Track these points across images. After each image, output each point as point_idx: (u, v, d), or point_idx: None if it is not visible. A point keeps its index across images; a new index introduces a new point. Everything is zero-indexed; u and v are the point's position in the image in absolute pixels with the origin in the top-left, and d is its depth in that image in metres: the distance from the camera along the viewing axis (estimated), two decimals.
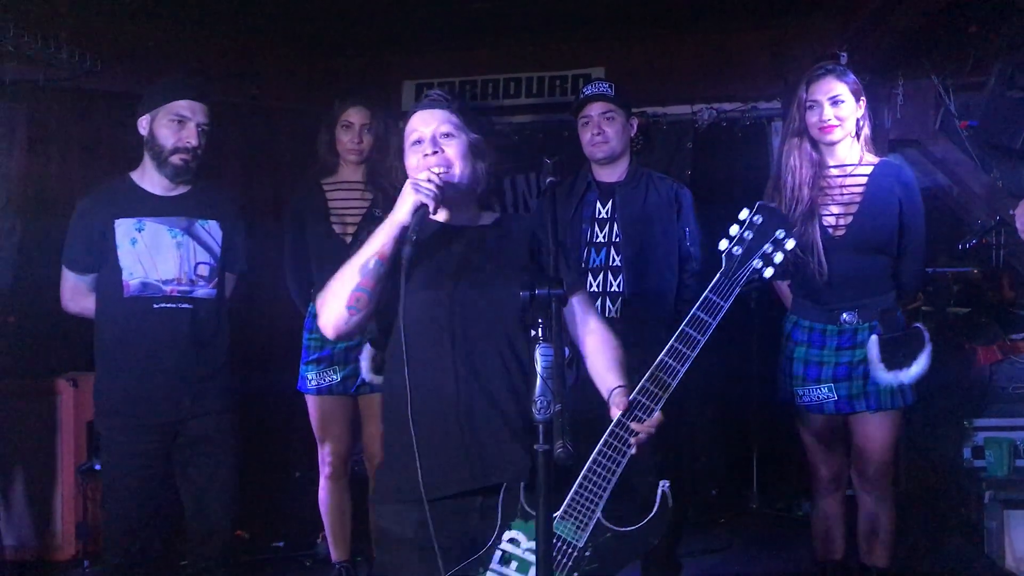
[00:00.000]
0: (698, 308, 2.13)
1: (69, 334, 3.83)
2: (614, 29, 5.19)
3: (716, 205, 5.23)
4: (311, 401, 3.56)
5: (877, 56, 4.43)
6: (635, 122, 3.46)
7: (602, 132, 3.35)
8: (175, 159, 2.97)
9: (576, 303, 2.26)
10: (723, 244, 2.16)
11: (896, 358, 2.93)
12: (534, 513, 1.89)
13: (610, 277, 3.33)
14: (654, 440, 2.10)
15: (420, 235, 2.05)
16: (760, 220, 2.15)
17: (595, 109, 3.39)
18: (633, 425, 2.09)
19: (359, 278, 2.09)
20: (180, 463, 3.02)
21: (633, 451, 2.09)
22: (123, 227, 2.97)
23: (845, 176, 3.03)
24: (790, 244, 2.14)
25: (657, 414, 2.09)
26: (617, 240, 3.34)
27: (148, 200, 3.02)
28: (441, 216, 2.23)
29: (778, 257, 2.14)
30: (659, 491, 2.10)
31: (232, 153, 5.22)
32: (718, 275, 2.15)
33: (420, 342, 2.07)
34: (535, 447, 1.81)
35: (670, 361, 2.11)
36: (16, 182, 4.45)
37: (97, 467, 4.02)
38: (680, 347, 2.12)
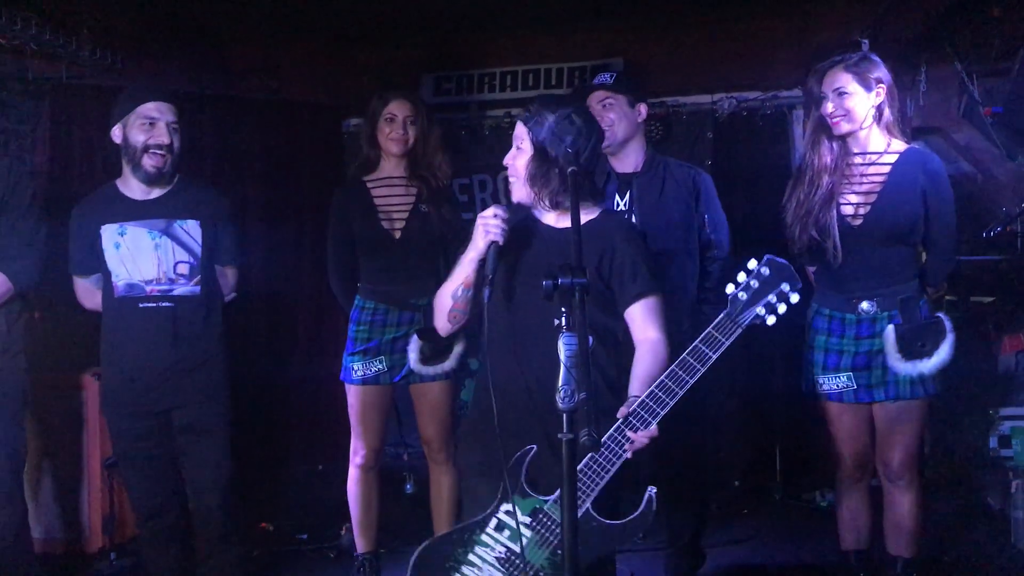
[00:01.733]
0: (700, 341, 2.30)
1: (93, 330, 3.87)
2: (633, 19, 5.16)
3: (737, 195, 5.27)
4: (353, 391, 3.58)
5: (900, 43, 4.40)
6: (642, 107, 3.43)
7: (603, 118, 3.34)
8: (147, 160, 3.11)
9: (641, 307, 2.42)
10: (730, 288, 2.33)
11: (914, 348, 2.91)
12: (532, 493, 2.29)
13: None
14: (656, 449, 2.28)
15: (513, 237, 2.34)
16: (767, 272, 2.31)
17: (594, 99, 3.39)
18: (628, 433, 2.27)
19: (451, 302, 2.48)
20: (177, 450, 3.24)
21: (628, 455, 2.28)
22: (108, 232, 3.17)
23: (868, 164, 3.01)
24: (794, 298, 2.32)
25: (653, 427, 2.26)
26: None
27: (129, 205, 3.19)
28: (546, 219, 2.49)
29: (781, 308, 2.31)
30: (646, 495, 2.29)
31: (252, 148, 5.25)
32: (722, 315, 2.32)
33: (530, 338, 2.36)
34: (558, 436, 1.83)
35: (669, 383, 2.29)
36: (39, 178, 4.50)
37: None
38: (680, 373, 2.29)
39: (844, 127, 2.98)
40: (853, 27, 4.72)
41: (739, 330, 2.30)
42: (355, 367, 3.57)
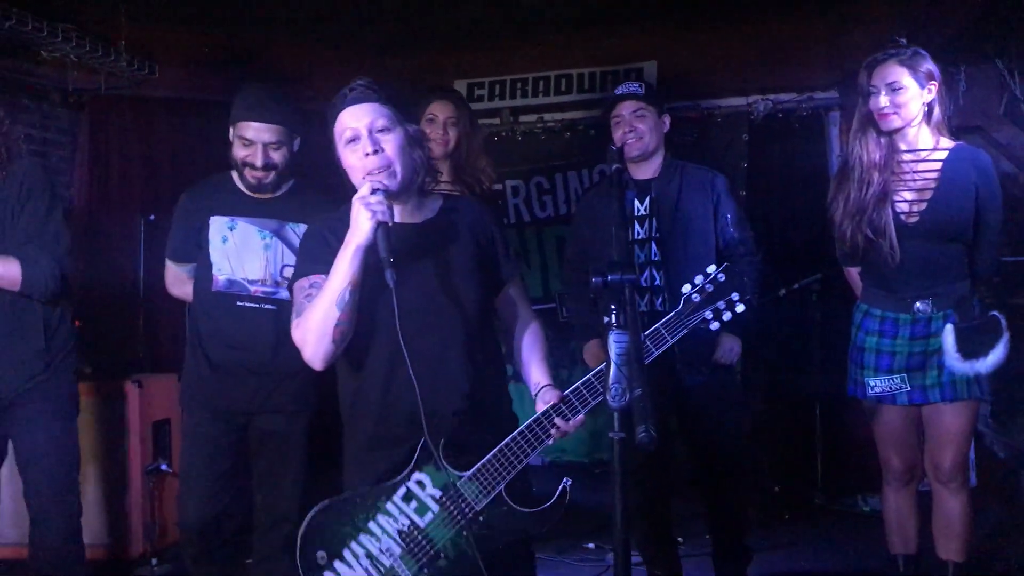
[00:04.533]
0: (647, 336, 2.32)
1: (134, 337, 3.91)
2: (665, 22, 5.14)
3: (772, 197, 5.23)
4: None
5: (938, 41, 4.34)
6: (667, 119, 3.44)
7: (634, 129, 3.33)
8: (247, 173, 3.04)
9: (516, 289, 2.39)
10: (685, 288, 2.38)
11: (971, 347, 2.85)
12: (448, 467, 2.16)
13: (654, 272, 3.32)
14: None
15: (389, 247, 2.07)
16: (723, 279, 2.37)
17: (626, 108, 3.37)
18: (558, 421, 2.21)
19: (338, 312, 2.09)
20: (252, 455, 3.12)
21: (550, 442, 2.23)
22: (216, 224, 3.07)
23: (918, 161, 2.96)
24: (739, 308, 2.36)
25: (581, 416, 2.23)
26: (656, 236, 3.33)
27: (242, 200, 3.10)
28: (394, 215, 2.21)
29: (726, 316, 2.37)
30: (560, 486, 2.23)
31: None
32: (672, 313, 2.36)
33: (385, 339, 2.16)
34: (610, 434, 1.81)
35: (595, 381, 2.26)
36: (79, 188, 4.56)
37: (163, 467, 4.10)
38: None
39: (895, 122, 2.93)
40: (889, 27, 4.67)
41: (684, 331, 2.35)
42: None
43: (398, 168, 2.18)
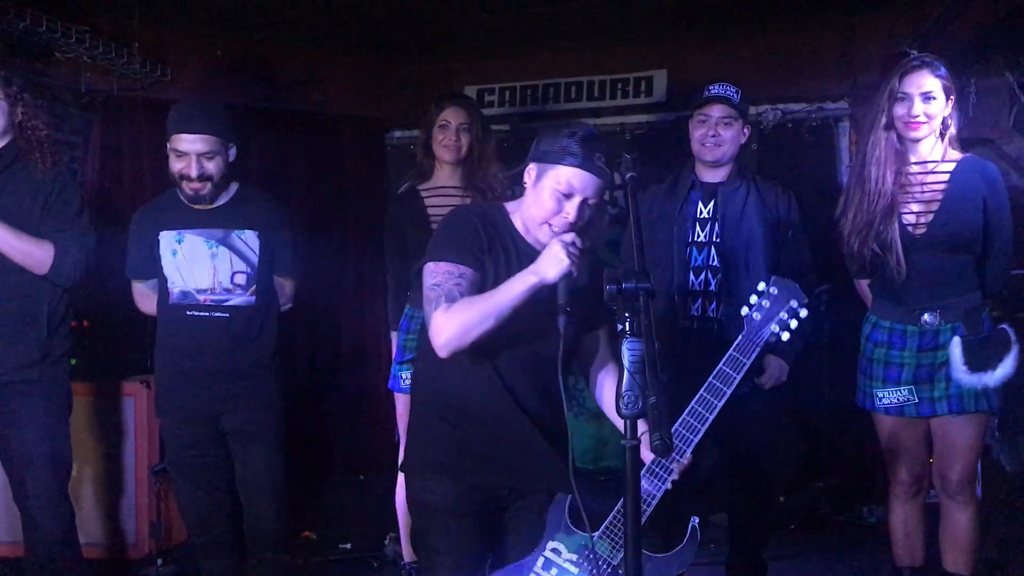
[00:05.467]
0: (724, 363, 2.41)
1: (142, 338, 3.91)
2: (676, 31, 5.15)
3: None
4: (402, 400, 3.59)
5: (949, 53, 4.33)
6: (748, 130, 3.41)
7: (717, 135, 3.30)
8: (184, 186, 3.12)
9: (601, 335, 2.46)
10: (744, 310, 2.46)
11: (979, 360, 2.85)
12: (576, 530, 2.28)
13: (709, 276, 3.30)
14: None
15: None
16: (776, 291, 2.45)
17: (716, 111, 3.33)
18: (674, 466, 2.30)
19: (493, 322, 2.17)
20: (231, 455, 3.23)
21: (669, 487, 2.30)
22: (166, 239, 3.18)
23: (927, 173, 2.96)
24: (803, 313, 2.44)
25: (688, 456, 2.33)
26: (717, 240, 3.30)
27: (188, 213, 3.19)
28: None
29: (793, 323, 2.44)
30: (690, 525, 2.31)
31: (296, 159, 5.30)
32: (740, 336, 2.44)
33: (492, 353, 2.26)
34: (622, 442, 1.81)
35: (699, 408, 2.38)
36: (90, 189, 4.57)
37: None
38: (709, 397, 2.39)
39: (924, 131, 2.93)
40: (899, 39, 4.68)
41: (757, 349, 2.41)
42: (403, 376, 3.57)
43: (587, 237, 2.29)
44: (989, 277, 3.01)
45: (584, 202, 2.22)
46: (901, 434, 3.02)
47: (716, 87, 3.39)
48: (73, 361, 4.04)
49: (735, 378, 2.37)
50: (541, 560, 2.29)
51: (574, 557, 2.27)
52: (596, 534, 2.28)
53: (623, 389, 1.78)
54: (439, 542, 2.30)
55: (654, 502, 2.27)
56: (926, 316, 2.94)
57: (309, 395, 5.33)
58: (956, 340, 2.88)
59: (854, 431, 4.56)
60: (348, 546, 4.39)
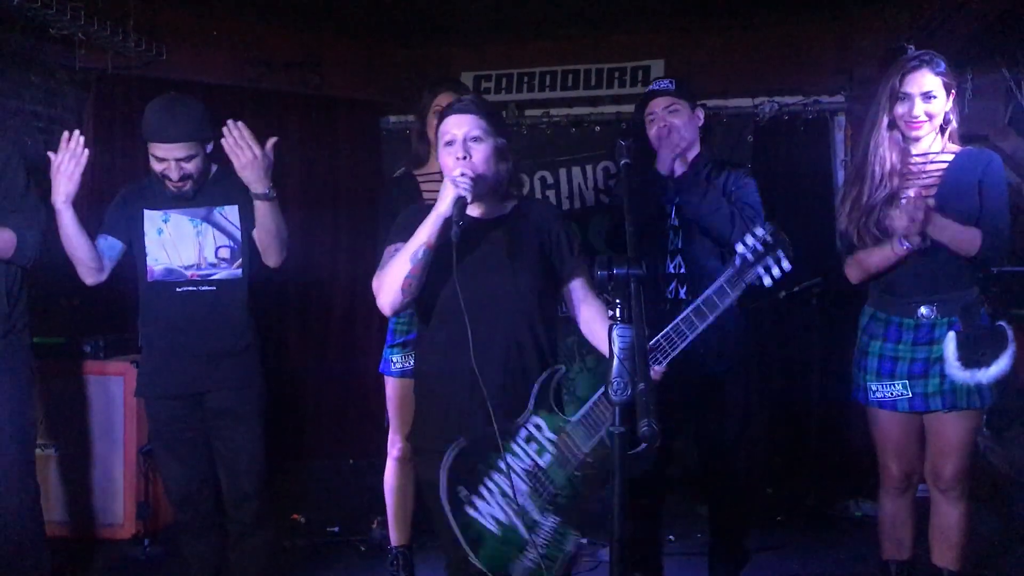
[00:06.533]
0: (712, 292, 2.52)
1: (133, 318, 3.89)
2: (674, 21, 5.15)
3: (776, 199, 5.22)
4: (392, 384, 3.58)
5: (946, 49, 4.33)
6: (700, 112, 3.43)
7: (669, 124, 3.33)
8: (166, 184, 3.14)
9: (577, 285, 2.60)
10: (739, 247, 2.53)
11: (974, 356, 2.82)
12: (557, 411, 2.45)
13: (680, 260, 3.36)
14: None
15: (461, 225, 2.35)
16: (771, 240, 2.53)
17: (659, 105, 3.37)
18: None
19: (410, 266, 2.42)
20: (211, 434, 3.23)
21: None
22: (151, 218, 3.19)
23: (926, 163, 2.96)
24: (786, 265, 2.54)
25: (663, 365, 2.51)
26: (676, 224, 3.37)
27: (173, 194, 3.18)
28: (473, 211, 2.51)
29: (775, 271, 2.53)
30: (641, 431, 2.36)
31: (291, 142, 5.28)
32: (731, 270, 2.53)
33: (453, 322, 2.40)
34: (609, 428, 1.81)
35: (682, 326, 2.52)
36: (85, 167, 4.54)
37: None
38: (693, 318, 2.52)
39: (924, 130, 2.92)
40: (896, 33, 4.68)
41: (744, 285, 2.51)
42: (394, 359, 3.57)
43: (482, 172, 2.46)
44: (984, 248, 2.86)
45: (465, 141, 2.47)
46: (893, 429, 3.00)
47: (652, 85, 3.49)
48: (86, 348, 4.13)
49: (720, 306, 2.50)
50: (524, 432, 2.43)
51: (552, 436, 2.43)
52: (573, 419, 2.45)
53: (612, 376, 1.78)
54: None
55: None
56: (923, 309, 2.93)
57: (299, 378, 5.33)
58: (951, 335, 2.86)
59: (843, 424, 4.58)
60: (336, 529, 4.40)
